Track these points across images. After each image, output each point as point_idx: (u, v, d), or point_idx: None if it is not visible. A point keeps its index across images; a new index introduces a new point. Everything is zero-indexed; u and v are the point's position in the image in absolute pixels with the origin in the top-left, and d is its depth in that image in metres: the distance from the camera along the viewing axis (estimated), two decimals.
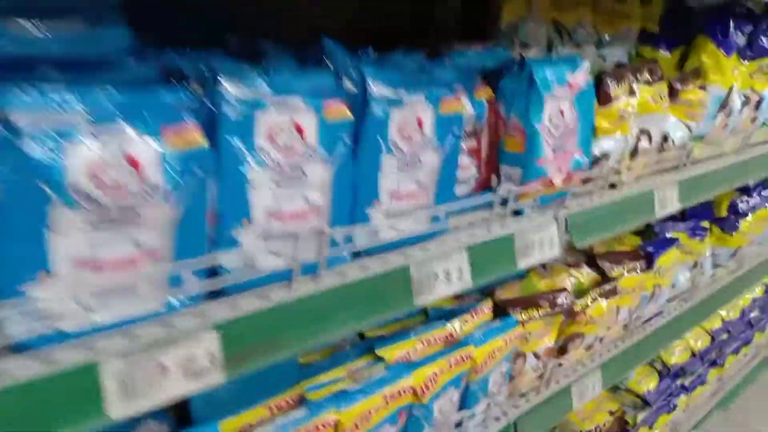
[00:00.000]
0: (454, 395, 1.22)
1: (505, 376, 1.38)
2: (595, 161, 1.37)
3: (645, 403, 2.06)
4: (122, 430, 0.92)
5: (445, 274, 1.02)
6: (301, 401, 1.04)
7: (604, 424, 1.83)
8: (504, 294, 1.51)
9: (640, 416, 2.04)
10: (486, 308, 1.41)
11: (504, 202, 1.14)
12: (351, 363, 1.16)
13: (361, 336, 1.30)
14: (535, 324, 1.46)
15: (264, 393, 1.02)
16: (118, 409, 0.65)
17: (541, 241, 1.20)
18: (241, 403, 0.98)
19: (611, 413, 1.90)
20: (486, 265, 1.09)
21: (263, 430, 0.92)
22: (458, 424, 1.29)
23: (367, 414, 1.03)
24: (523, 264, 1.16)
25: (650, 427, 2.12)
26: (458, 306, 1.44)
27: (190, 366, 0.70)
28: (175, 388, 0.68)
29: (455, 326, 1.32)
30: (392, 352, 1.19)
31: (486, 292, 1.51)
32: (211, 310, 0.76)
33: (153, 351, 0.68)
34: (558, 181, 1.24)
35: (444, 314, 1.37)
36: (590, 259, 1.77)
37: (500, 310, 1.45)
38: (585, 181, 1.35)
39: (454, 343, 1.26)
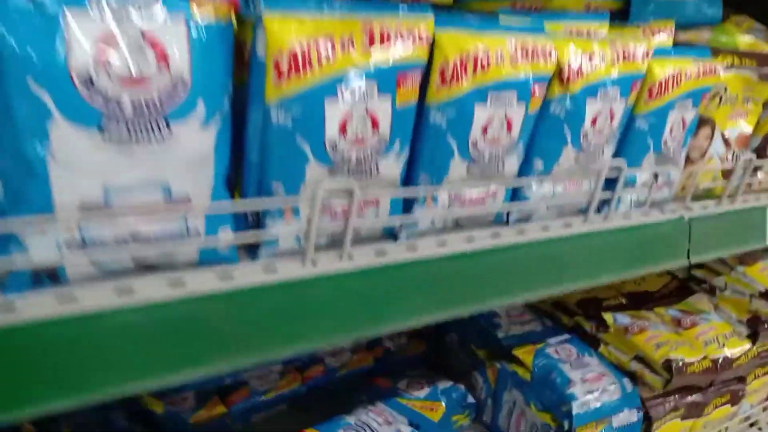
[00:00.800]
0: (617, 107, 0.77)
1: (685, 136, 0.91)
2: None
3: None
4: None
5: None
6: None
7: None
8: (688, 35, 1.02)
9: None
10: (665, 32, 0.94)
11: None
12: None
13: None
14: (734, 78, 0.97)
15: None
16: None
17: None
18: None
19: None
20: None
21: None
22: (612, 180, 0.83)
23: (480, 53, 0.61)
24: None
25: None
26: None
27: None
28: None
29: (615, 35, 0.87)
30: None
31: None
32: None
33: None
34: None
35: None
36: None
37: None
38: None
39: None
